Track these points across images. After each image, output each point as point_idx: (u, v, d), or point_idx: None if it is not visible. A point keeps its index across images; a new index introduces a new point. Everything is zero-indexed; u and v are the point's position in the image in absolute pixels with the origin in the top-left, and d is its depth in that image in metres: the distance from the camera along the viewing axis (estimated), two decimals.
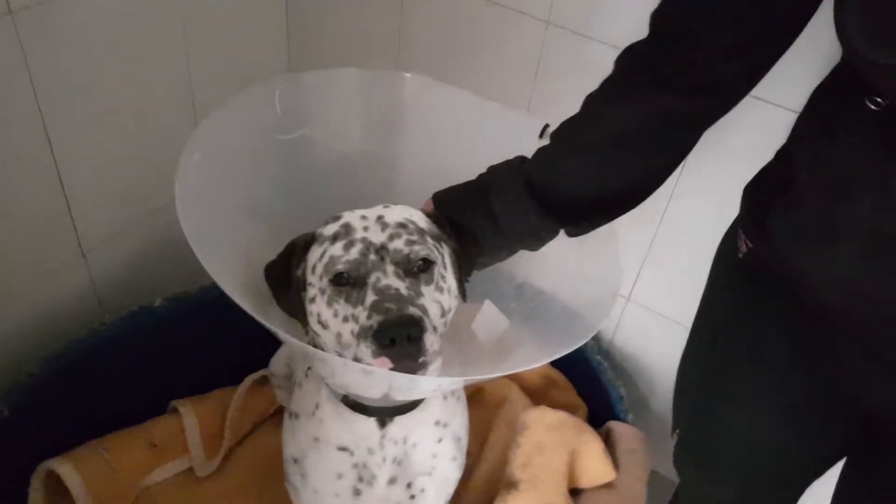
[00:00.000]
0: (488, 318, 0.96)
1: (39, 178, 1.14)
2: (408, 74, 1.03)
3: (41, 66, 1.05)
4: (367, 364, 0.74)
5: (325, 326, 0.83)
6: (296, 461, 0.98)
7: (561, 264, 0.92)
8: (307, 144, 0.98)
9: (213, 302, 1.34)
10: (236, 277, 0.86)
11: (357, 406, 0.90)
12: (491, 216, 0.85)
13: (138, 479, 1.30)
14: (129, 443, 1.30)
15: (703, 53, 0.74)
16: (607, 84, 0.82)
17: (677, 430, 1.04)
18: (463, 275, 0.88)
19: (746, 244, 0.91)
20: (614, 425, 1.32)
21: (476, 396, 1.51)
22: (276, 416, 1.48)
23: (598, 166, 0.83)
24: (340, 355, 0.80)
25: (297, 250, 0.85)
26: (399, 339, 0.73)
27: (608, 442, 1.30)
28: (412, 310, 0.75)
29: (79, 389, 1.22)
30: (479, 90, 1.01)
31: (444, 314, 0.84)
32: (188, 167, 0.81)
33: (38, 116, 1.09)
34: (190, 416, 1.37)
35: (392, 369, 0.74)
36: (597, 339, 1.54)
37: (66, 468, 1.20)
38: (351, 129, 1.02)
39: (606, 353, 1.54)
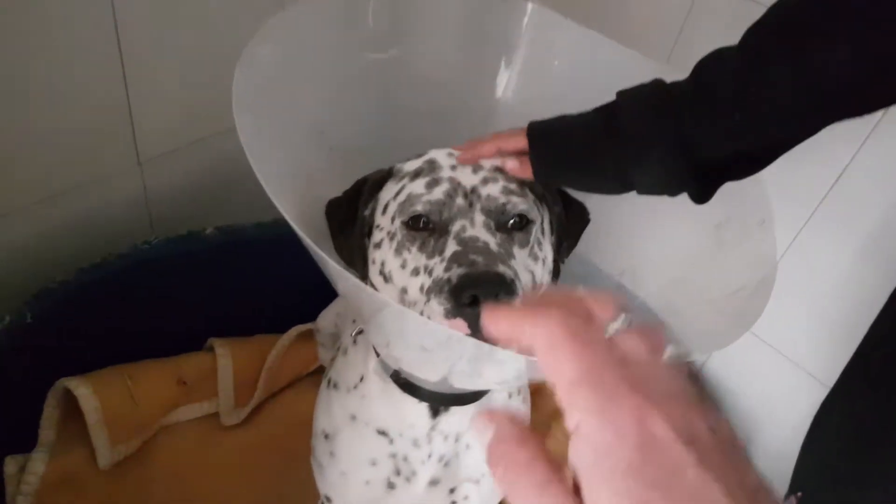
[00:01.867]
0: None
1: (105, 71, 1.04)
2: (531, 4, 0.85)
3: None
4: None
5: (387, 279, 0.68)
6: (326, 437, 0.84)
7: (691, 269, 0.74)
8: (397, 68, 0.83)
9: (268, 240, 1.22)
10: (295, 210, 0.71)
11: (408, 386, 0.75)
12: (620, 170, 0.67)
13: (160, 414, 1.20)
14: (157, 374, 1.20)
15: None
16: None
17: (797, 495, 0.85)
18: (563, 251, 0.72)
19: None
20: None
21: (532, 400, 1.35)
22: (316, 374, 1.36)
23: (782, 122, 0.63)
24: None
25: (369, 186, 0.71)
26: (484, 300, 0.58)
27: None
28: (503, 268, 0.60)
29: (110, 308, 1.12)
30: (610, 35, 0.83)
31: (533, 286, 0.69)
32: (252, 62, 0.66)
33: (111, 11, 0.98)
34: (226, 358, 1.26)
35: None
36: None
37: (84, 390, 1.10)
38: (452, 58, 0.85)
39: (695, 376, 1.33)
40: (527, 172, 0.69)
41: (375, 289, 0.71)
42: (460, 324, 0.59)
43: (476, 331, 0.59)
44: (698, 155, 0.63)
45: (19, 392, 1.07)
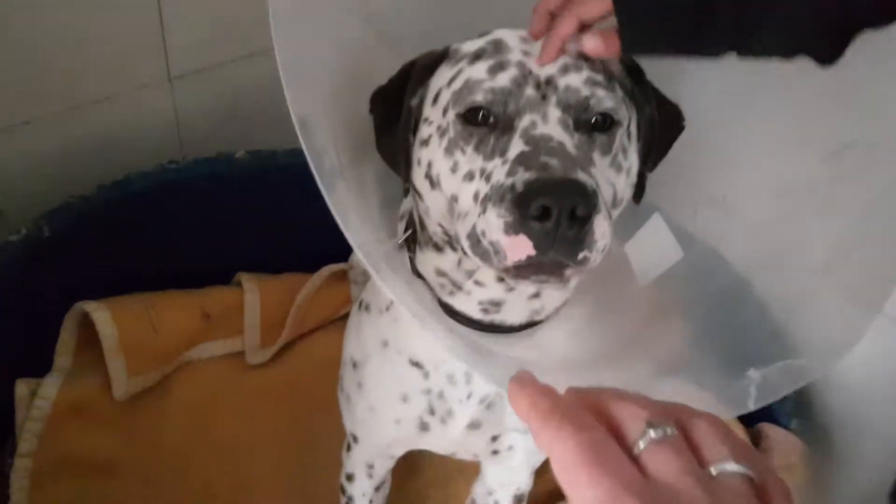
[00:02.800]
0: (653, 238, 0.68)
1: None
2: None
3: None
4: (496, 245, 0.51)
5: (434, 184, 0.59)
6: (355, 365, 0.75)
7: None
8: None
9: (303, 168, 1.13)
10: (335, 121, 0.62)
11: (449, 309, 0.65)
12: (741, 18, 0.54)
13: (182, 347, 1.13)
14: (181, 305, 1.14)
15: None
16: None
17: None
18: (650, 161, 0.61)
19: None
20: (768, 429, 1.02)
21: None
22: (346, 318, 1.27)
23: None
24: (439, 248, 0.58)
25: (418, 70, 0.61)
26: (558, 213, 0.48)
27: (756, 448, 1.00)
28: (582, 175, 0.50)
29: (133, 229, 1.05)
30: None
31: (614, 203, 0.59)
32: None
33: None
34: (253, 293, 1.19)
35: (524, 266, 0.51)
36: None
37: (102, 314, 1.04)
38: None
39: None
40: (612, 48, 0.56)
41: (419, 196, 0.62)
42: (523, 242, 0.50)
43: (543, 251, 0.50)
44: None
45: (35, 313, 1.01)
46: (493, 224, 0.51)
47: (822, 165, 0.67)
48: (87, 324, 1.06)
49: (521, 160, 0.51)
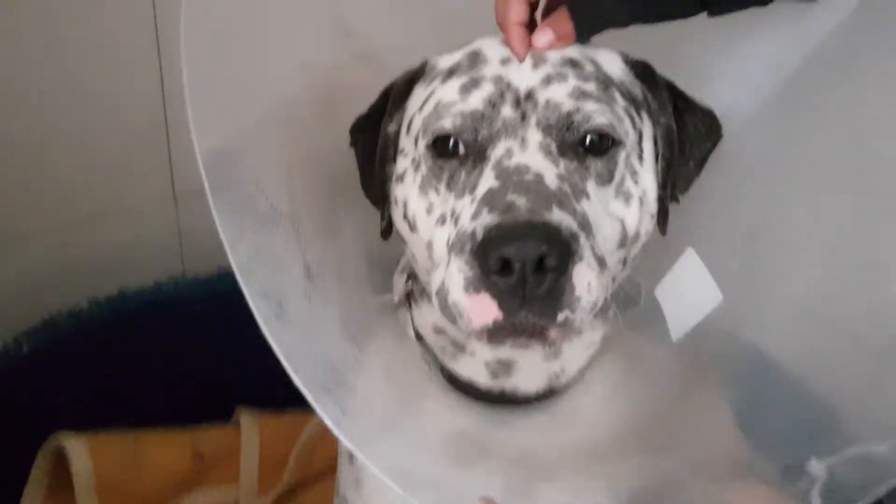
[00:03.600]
0: (688, 279, 0.57)
1: (145, 96, 0.97)
2: None
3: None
4: (457, 305, 0.43)
5: (412, 227, 0.51)
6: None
7: None
8: None
9: None
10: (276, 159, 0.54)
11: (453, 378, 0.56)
12: None
13: (169, 494, 1.00)
14: (170, 443, 1.02)
15: None
16: None
17: None
18: (676, 184, 0.52)
19: None
20: None
21: None
22: None
23: None
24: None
25: (395, 92, 0.55)
26: (521, 265, 0.40)
27: None
28: (557, 216, 0.42)
29: (122, 350, 0.97)
30: None
31: (624, 241, 0.50)
32: None
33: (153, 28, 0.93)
34: (252, 434, 1.07)
35: (495, 330, 0.43)
36: None
37: (78, 448, 0.93)
38: None
39: None
40: (564, 33, 0.49)
41: (403, 239, 0.54)
42: (485, 303, 0.41)
43: (512, 313, 0.41)
44: None
45: (5, 441, 0.91)
46: (454, 280, 0.43)
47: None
48: (62, 460, 0.94)
49: (488, 199, 0.44)
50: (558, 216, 0.42)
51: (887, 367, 0.52)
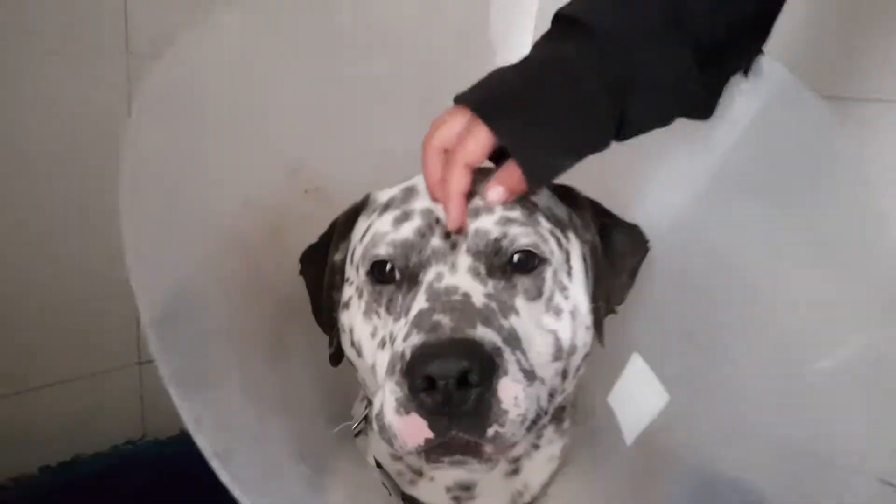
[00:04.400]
0: (634, 385, 0.57)
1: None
2: None
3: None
4: (391, 427, 0.44)
5: (359, 352, 0.54)
6: None
7: None
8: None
9: None
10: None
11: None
12: (614, 94, 0.51)
13: None
14: None
15: None
16: None
17: None
18: (609, 297, 0.54)
19: None
20: None
21: None
22: None
23: None
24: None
25: (340, 223, 0.58)
26: (444, 382, 0.41)
27: None
28: (480, 332, 0.44)
29: None
30: None
31: (559, 353, 0.51)
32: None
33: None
34: None
35: (430, 450, 0.44)
36: None
37: None
38: None
39: None
40: (515, 186, 0.50)
41: (354, 366, 0.55)
42: (416, 423, 0.42)
43: (442, 432, 0.42)
44: (693, 29, 0.50)
45: None
46: (387, 402, 0.44)
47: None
48: None
49: (417, 321, 0.46)
50: (481, 332, 0.44)
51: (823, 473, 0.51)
